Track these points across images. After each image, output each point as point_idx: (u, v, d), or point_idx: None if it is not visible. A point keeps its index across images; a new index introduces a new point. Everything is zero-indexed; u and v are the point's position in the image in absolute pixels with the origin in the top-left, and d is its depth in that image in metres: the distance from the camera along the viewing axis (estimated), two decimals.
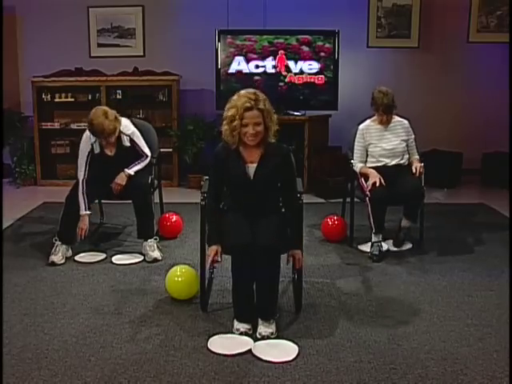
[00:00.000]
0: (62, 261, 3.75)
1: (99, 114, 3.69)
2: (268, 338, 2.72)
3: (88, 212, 3.81)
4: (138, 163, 3.93)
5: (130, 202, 3.91)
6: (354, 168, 4.10)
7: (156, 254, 3.81)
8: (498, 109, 6.37)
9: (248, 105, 2.74)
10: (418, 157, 4.09)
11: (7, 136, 6.17)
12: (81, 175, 3.82)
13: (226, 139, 2.84)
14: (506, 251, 3.91)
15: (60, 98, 6.20)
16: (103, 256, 3.89)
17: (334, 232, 4.25)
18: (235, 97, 2.81)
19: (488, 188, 6.16)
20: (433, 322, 2.94)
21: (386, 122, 4.02)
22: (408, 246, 4.11)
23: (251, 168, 2.87)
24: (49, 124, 6.23)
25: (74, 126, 6.21)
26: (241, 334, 2.76)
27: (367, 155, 4.07)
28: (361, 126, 4.10)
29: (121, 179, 3.85)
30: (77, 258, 3.85)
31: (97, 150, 3.84)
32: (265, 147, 2.87)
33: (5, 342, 2.65)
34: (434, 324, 2.92)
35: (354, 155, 4.11)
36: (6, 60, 6.24)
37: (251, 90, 2.81)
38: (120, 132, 3.84)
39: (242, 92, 2.82)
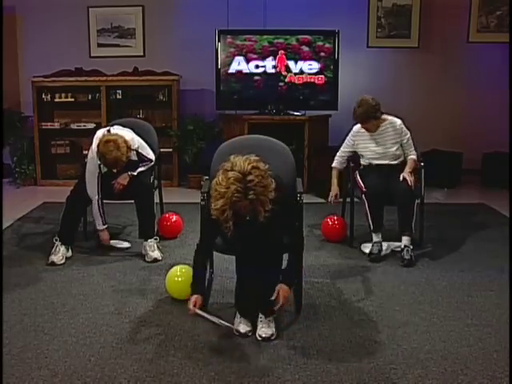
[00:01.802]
0: (62, 261, 3.75)
1: (111, 149, 3.58)
2: (268, 339, 2.70)
3: (105, 226, 3.85)
4: (142, 166, 3.94)
5: (131, 202, 3.91)
6: (334, 162, 4.21)
7: (156, 254, 3.81)
8: (498, 109, 6.37)
9: (236, 198, 2.44)
10: (414, 156, 4.02)
11: (7, 136, 6.17)
12: (94, 195, 3.78)
13: (212, 211, 2.57)
14: (506, 251, 3.91)
15: (60, 98, 6.20)
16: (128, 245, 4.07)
17: (334, 232, 4.25)
18: (224, 179, 2.47)
19: (488, 188, 6.16)
20: (433, 322, 2.94)
21: (369, 130, 3.98)
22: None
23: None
24: (49, 124, 6.23)
25: (74, 126, 6.21)
26: (240, 335, 2.75)
27: (358, 156, 4.11)
28: (355, 128, 4.10)
29: (123, 179, 3.85)
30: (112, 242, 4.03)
31: (104, 170, 3.80)
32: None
33: (5, 342, 2.65)
34: (433, 324, 2.92)
35: (339, 151, 4.19)
36: (6, 60, 6.24)
37: (242, 168, 2.47)
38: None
39: (231, 176, 2.45)
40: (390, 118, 4.03)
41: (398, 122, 4.04)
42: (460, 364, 2.51)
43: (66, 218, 3.83)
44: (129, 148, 3.70)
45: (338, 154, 4.21)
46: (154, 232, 3.96)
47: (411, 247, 3.81)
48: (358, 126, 4.06)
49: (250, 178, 2.46)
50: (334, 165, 4.22)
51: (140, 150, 3.90)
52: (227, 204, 2.47)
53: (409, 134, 4.04)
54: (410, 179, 3.86)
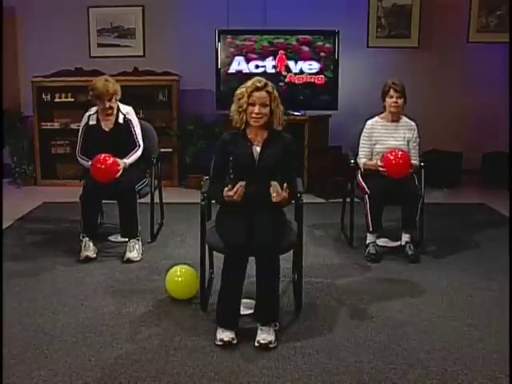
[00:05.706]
0: (94, 255, 3.80)
1: (100, 79, 3.95)
2: (267, 346, 2.63)
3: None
4: (132, 154, 4.03)
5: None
6: (359, 163, 4.06)
7: (132, 254, 3.81)
8: (498, 109, 6.37)
9: (258, 85, 2.85)
10: (416, 161, 3.98)
11: (7, 136, 6.16)
12: (77, 150, 4.10)
13: (233, 118, 2.92)
14: (506, 251, 3.91)
15: (60, 98, 6.19)
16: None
17: (397, 168, 3.82)
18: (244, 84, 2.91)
19: (488, 188, 6.15)
20: (433, 322, 2.95)
21: (398, 107, 3.94)
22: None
23: (256, 149, 2.94)
24: (49, 124, 6.23)
25: (73, 126, 6.18)
26: (224, 344, 2.65)
27: (372, 153, 4.04)
28: (369, 122, 4.06)
29: (118, 163, 3.89)
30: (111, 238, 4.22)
31: (92, 122, 4.00)
32: (270, 132, 2.95)
33: (5, 341, 2.65)
34: (433, 324, 2.92)
35: (360, 151, 4.06)
36: (6, 60, 6.23)
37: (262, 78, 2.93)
38: (118, 110, 4.03)
39: (254, 78, 2.94)
40: (405, 118, 4.08)
41: (413, 124, 4.07)
42: (460, 364, 2.51)
43: (85, 215, 3.87)
44: (116, 83, 3.97)
45: (361, 154, 4.04)
46: (137, 232, 3.95)
47: (412, 242, 3.85)
48: (373, 120, 4.05)
49: (269, 82, 2.92)
50: (362, 163, 4.03)
51: (128, 117, 4.07)
52: (246, 92, 2.83)
53: (419, 140, 4.04)
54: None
